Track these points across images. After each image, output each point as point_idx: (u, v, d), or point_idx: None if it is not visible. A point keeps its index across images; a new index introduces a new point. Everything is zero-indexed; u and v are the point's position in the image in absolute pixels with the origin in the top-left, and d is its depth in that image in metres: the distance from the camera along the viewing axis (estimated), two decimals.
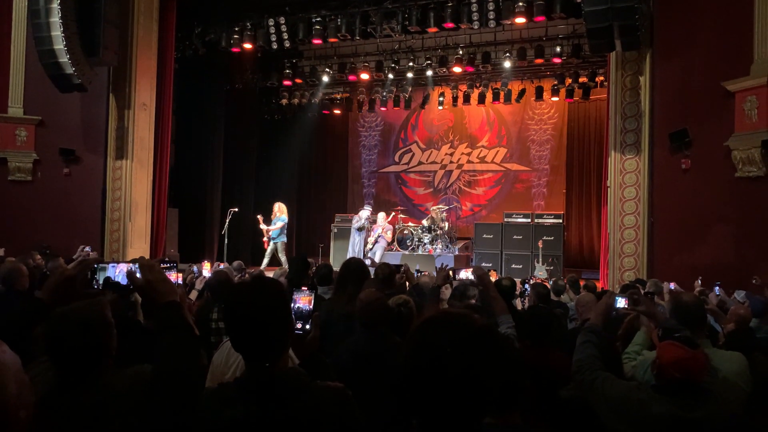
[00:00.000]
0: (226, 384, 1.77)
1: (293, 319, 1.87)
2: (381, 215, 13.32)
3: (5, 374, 1.24)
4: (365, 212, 13.16)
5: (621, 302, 3.31)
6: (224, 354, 2.93)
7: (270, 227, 12.19)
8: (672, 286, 6.47)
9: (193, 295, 5.10)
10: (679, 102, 8.98)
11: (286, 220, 12.40)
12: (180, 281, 3.06)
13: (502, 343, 1.26)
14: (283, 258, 11.95)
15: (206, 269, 6.10)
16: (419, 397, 1.18)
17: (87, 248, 6.85)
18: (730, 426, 2.30)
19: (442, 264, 5.27)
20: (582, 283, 7.89)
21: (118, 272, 2.22)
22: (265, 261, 12.05)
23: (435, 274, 4.94)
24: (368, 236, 13.01)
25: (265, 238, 12.29)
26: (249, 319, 1.72)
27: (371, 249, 12.73)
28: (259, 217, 12.42)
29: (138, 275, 1.88)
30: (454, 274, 5.43)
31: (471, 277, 5.23)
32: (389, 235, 13.06)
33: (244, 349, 1.75)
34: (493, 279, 7.41)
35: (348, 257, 12.37)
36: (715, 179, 8.25)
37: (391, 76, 15.11)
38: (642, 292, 4.41)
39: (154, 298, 1.84)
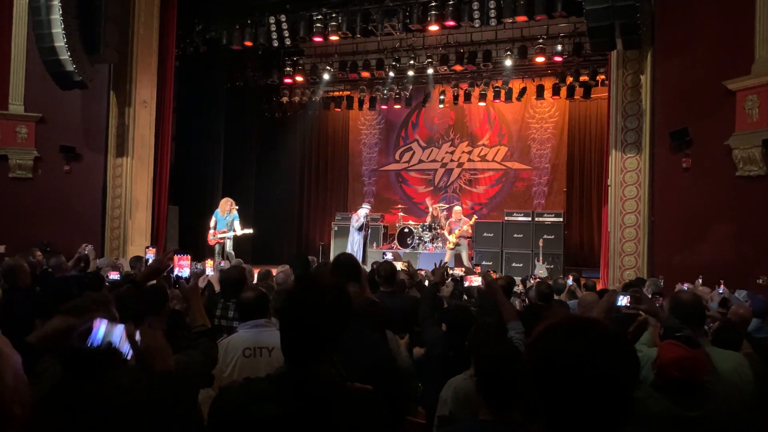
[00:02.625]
0: (256, 380, 1.75)
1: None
2: (457, 209, 12.94)
3: (4, 364, 1.23)
4: (364, 210, 13.13)
5: (623, 301, 3.31)
6: (222, 352, 2.93)
7: (233, 231, 11.51)
8: (686, 286, 6.44)
9: None
10: (680, 101, 8.97)
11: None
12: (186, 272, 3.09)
13: (634, 349, 1.26)
14: (233, 254, 11.53)
15: (209, 267, 6.12)
16: (550, 399, 1.18)
17: (89, 246, 6.84)
18: (728, 424, 2.31)
19: (441, 260, 5.27)
20: (582, 281, 7.91)
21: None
22: (233, 255, 11.49)
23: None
24: (438, 231, 12.61)
25: (219, 237, 11.51)
26: (313, 321, 1.69)
27: (453, 249, 12.24)
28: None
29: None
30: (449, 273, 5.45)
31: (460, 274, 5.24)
32: (468, 228, 12.45)
33: (294, 347, 1.70)
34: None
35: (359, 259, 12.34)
36: (716, 178, 8.25)
37: (392, 74, 15.10)
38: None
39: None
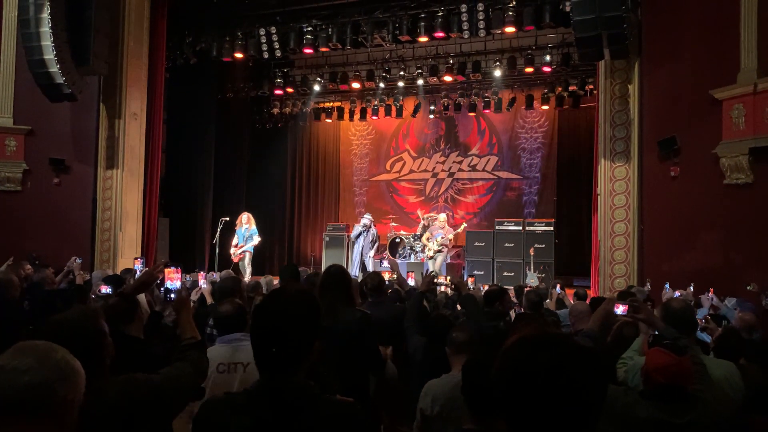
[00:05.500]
0: (235, 393, 1.76)
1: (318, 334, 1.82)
2: (442, 216, 12.83)
3: (82, 384, 1.42)
4: (363, 220, 13.11)
5: (620, 309, 3.32)
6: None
7: (248, 244, 11.78)
8: (678, 293, 6.45)
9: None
10: (668, 110, 9.05)
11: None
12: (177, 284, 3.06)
13: (603, 363, 1.27)
14: (249, 268, 11.79)
15: (202, 279, 6.12)
16: (516, 411, 1.19)
17: (78, 260, 6.79)
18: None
19: (427, 270, 5.29)
20: (567, 291, 7.90)
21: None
22: (249, 270, 11.84)
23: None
24: (427, 238, 12.46)
25: (239, 252, 11.78)
26: (279, 329, 1.69)
27: (432, 257, 12.20)
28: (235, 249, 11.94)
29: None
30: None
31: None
32: (452, 237, 12.32)
33: (265, 359, 1.70)
34: (470, 284, 7.43)
35: (355, 268, 12.33)
36: (704, 186, 8.31)
37: (382, 85, 15.15)
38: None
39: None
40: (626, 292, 6.19)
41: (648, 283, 7.71)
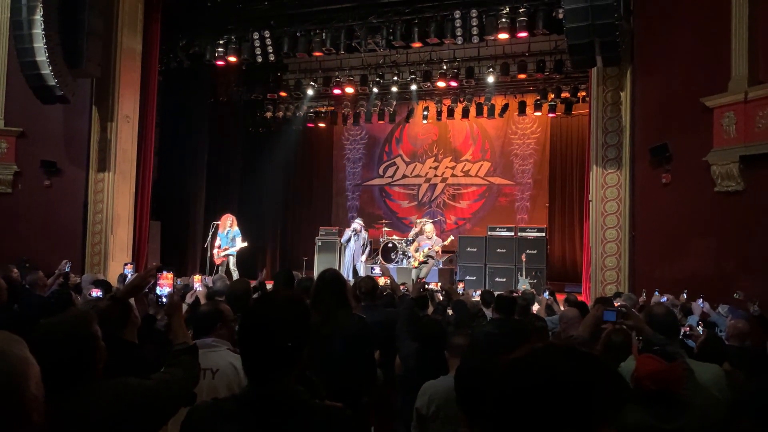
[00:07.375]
0: (223, 399, 1.74)
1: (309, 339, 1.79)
2: (429, 227, 12.67)
3: (31, 370, 1.29)
4: (353, 224, 13.12)
5: (610, 316, 3.33)
6: None
7: (234, 246, 11.76)
8: (665, 298, 6.46)
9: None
10: (660, 117, 9.11)
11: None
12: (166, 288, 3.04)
13: (612, 370, 1.26)
14: (236, 271, 11.75)
15: (197, 282, 6.10)
16: (520, 423, 1.18)
17: (69, 264, 6.75)
18: None
19: (417, 277, 5.30)
20: (562, 297, 7.91)
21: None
22: (237, 274, 11.74)
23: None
24: (415, 248, 12.31)
25: (222, 255, 11.78)
26: (267, 335, 1.67)
27: (417, 267, 12.05)
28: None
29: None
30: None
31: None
32: (439, 249, 12.18)
33: (254, 364, 1.68)
34: (459, 289, 7.46)
35: (348, 272, 12.30)
36: (695, 193, 8.37)
37: (375, 90, 15.17)
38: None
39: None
40: (605, 298, 6.21)
41: (644, 293, 7.73)
